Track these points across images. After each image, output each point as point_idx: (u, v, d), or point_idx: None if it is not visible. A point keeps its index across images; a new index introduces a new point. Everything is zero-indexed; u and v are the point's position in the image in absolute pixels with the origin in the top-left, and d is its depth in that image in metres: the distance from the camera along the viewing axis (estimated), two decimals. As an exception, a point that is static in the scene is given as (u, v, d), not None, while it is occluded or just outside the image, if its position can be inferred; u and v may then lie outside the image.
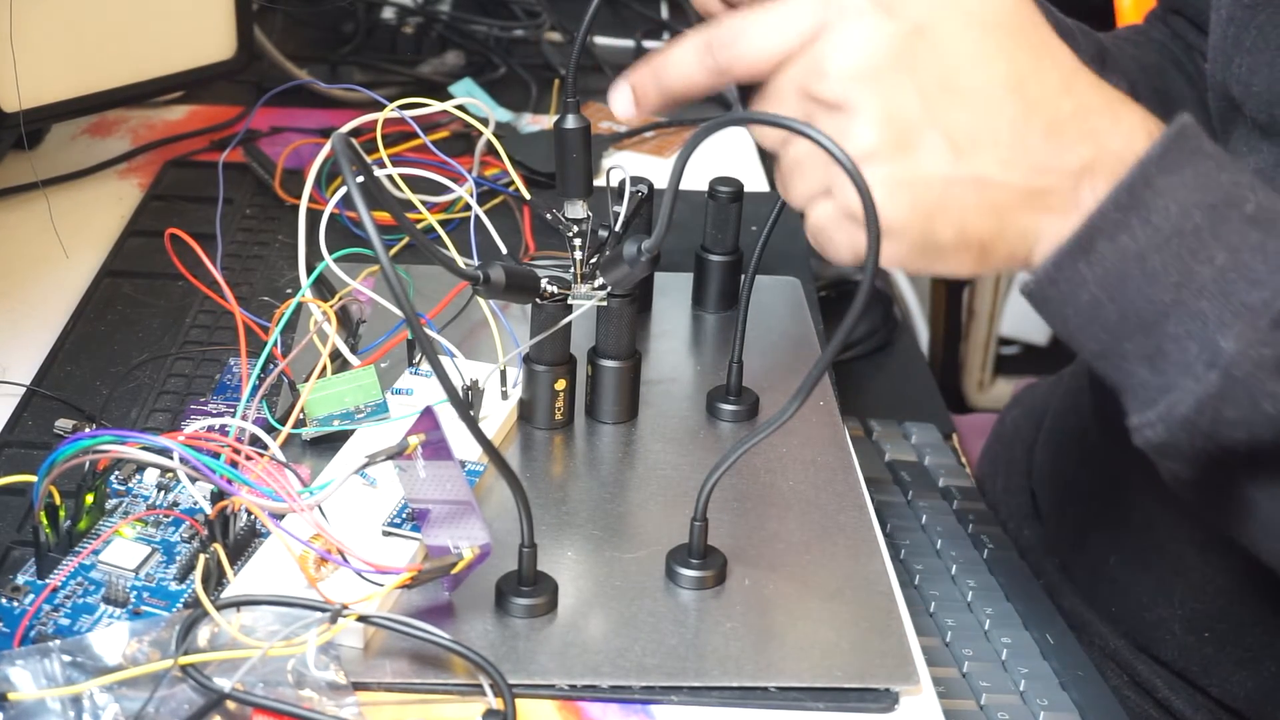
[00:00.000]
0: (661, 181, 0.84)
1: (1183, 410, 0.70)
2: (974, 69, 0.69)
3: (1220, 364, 0.68)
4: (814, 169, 0.70)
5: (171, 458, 0.73)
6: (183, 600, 0.72)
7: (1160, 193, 0.69)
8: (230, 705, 0.66)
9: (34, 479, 0.72)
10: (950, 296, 1.55)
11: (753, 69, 0.71)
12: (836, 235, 0.70)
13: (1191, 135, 0.70)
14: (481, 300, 0.93)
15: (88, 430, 0.81)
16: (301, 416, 0.84)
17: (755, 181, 1.23)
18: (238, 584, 0.72)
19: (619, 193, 0.92)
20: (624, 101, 0.75)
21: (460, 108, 1.01)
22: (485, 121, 1.07)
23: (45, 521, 0.73)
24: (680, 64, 0.73)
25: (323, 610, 0.69)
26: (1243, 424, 0.69)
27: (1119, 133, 0.71)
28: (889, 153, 0.68)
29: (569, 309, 0.86)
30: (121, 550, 0.74)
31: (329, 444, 0.85)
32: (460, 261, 0.90)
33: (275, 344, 0.87)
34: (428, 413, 0.73)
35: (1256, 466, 0.72)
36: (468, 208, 1.01)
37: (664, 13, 1.60)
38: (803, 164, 0.70)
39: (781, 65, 0.70)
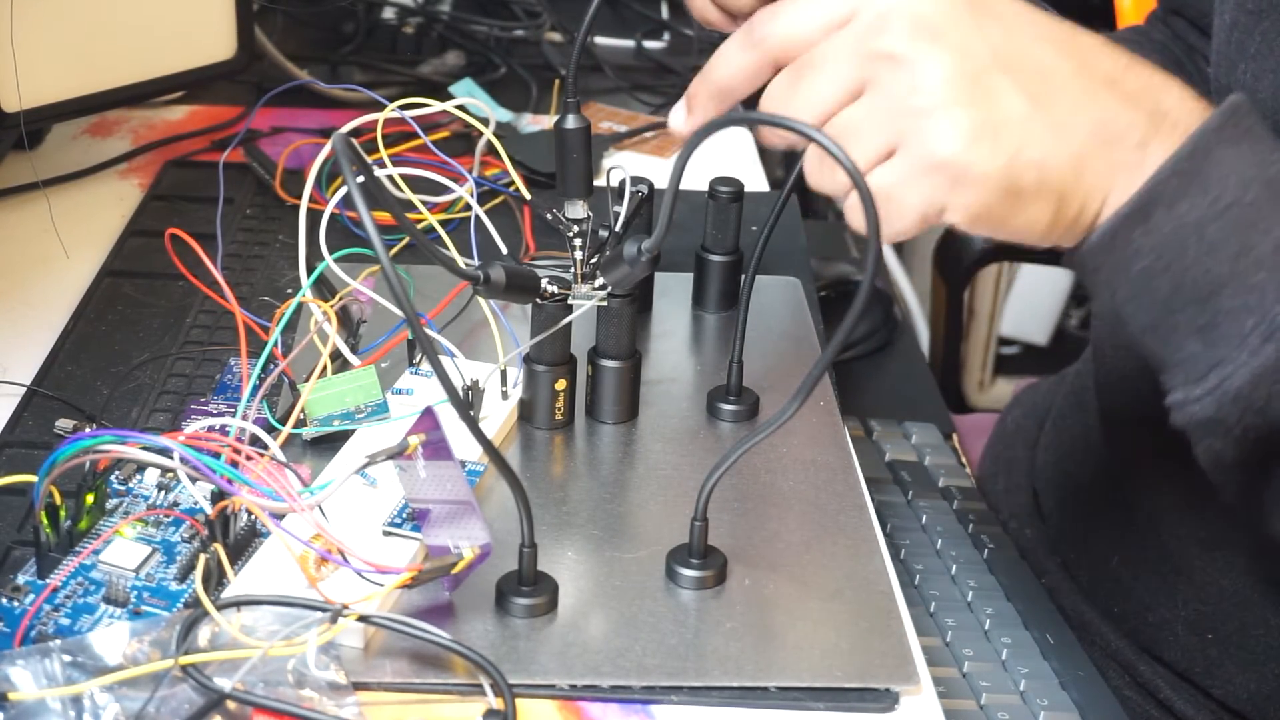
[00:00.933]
0: (661, 181, 0.84)
1: (1236, 384, 0.69)
2: (1031, 29, 0.70)
3: (1278, 337, 0.68)
4: (871, 131, 0.69)
5: (172, 458, 0.73)
6: (183, 600, 0.72)
7: (1219, 163, 0.69)
8: (230, 705, 0.66)
9: (34, 479, 0.72)
10: (950, 296, 1.55)
11: (798, 40, 0.71)
12: (909, 194, 0.69)
13: (1245, 114, 0.71)
14: (482, 300, 0.93)
15: (88, 430, 0.81)
16: (302, 416, 0.84)
17: (755, 181, 1.23)
18: (238, 584, 0.72)
19: (619, 193, 0.92)
20: (678, 115, 0.76)
21: (460, 108, 1.01)
22: (485, 121, 1.07)
23: (46, 521, 0.73)
24: (725, 60, 0.73)
25: (323, 610, 0.69)
26: None
27: (1173, 100, 0.71)
28: (966, 98, 0.68)
29: (569, 309, 0.86)
30: (122, 550, 0.74)
31: (329, 444, 0.85)
32: (460, 261, 0.90)
33: (275, 344, 0.87)
34: (428, 413, 0.73)
35: None
36: (468, 208, 1.01)
37: (664, 13, 1.60)
38: (857, 130, 0.69)
39: (828, 33, 0.70)
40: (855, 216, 0.70)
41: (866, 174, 0.69)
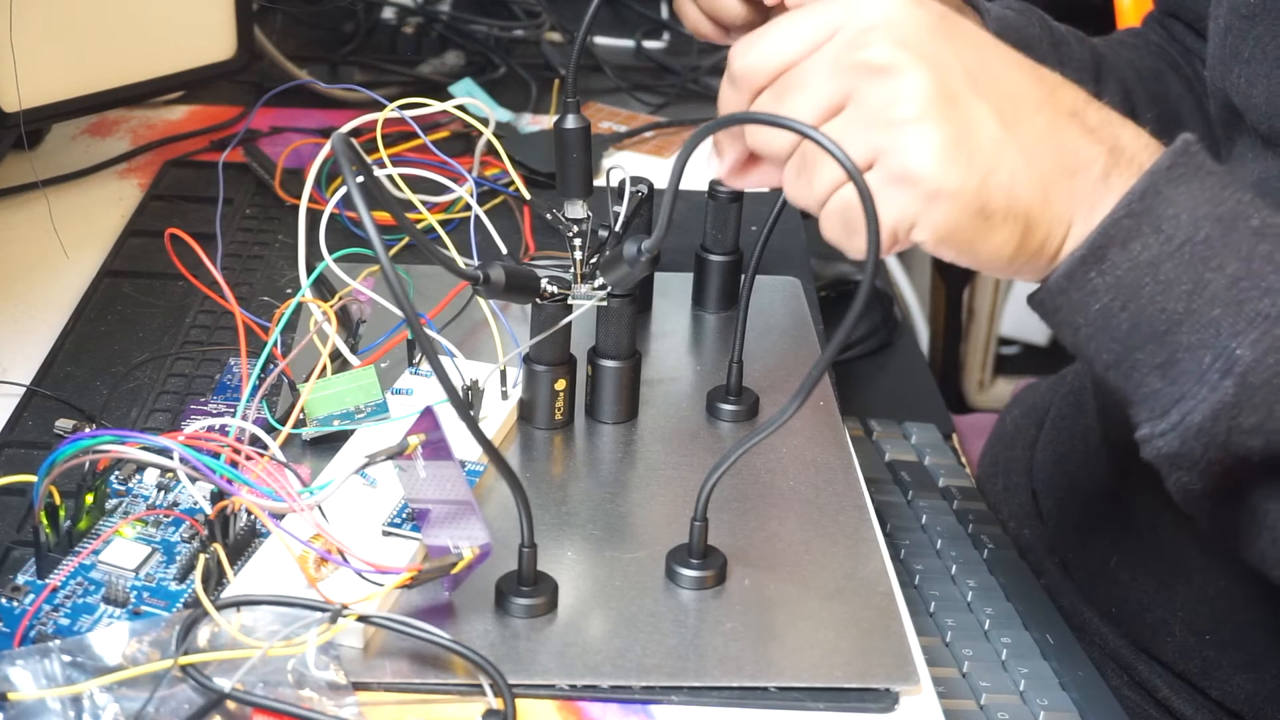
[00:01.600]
0: (661, 181, 0.84)
1: (1197, 419, 0.70)
2: (1001, 56, 0.72)
3: (1236, 371, 0.69)
4: (851, 144, 0.69)
5: (171, 458, 0.73)
6: (183, 600, 0.72)
7: (1170, 202, 0.70)
8: (230, 705, 0.66)
9: (34, 479, 0.72)
10: (950, 296, 1.55)
11: (775, 68, 0.71)
12: (880, 206, 0.68)
13: (1195, 152, 0.72)
14: (481, 300, 0.93)
15: (88, 430, 0.81)
16: (301, 416, 0.84)
17: (755, 181, 1.23)
18: (238, 584, 0.72)
19: (619, 193, 0.92)
20: (713, 164, 0.77)
21: (460, 108, 1.01)
22: (485, 121, 1.07)
23: (45, 521, 0.73)
24: (722, 102, 0.74)
25: (323, 610, 0.69)
26: (1259, 431, 0.69)
27: (1129, 137, 0.72)
28: (944, 114, 0.68)
29: (569, 309, 0.86)
30: (121, 550, 0.74)
31: (329, 444, 0.85)
32: (460, 261, 0.90)
33: (275, 344, 0.87)
34: (428, 413, 0.73)
35: (1270, 475, 0.72)
36: (468, 208, 1.01)
37: (664, 13, 1.60)
38: (838, 141, 0.69)
39: (809, 53, 0.70)
40: (829, 227, 0.71)
41: (842, 186, 0.70)
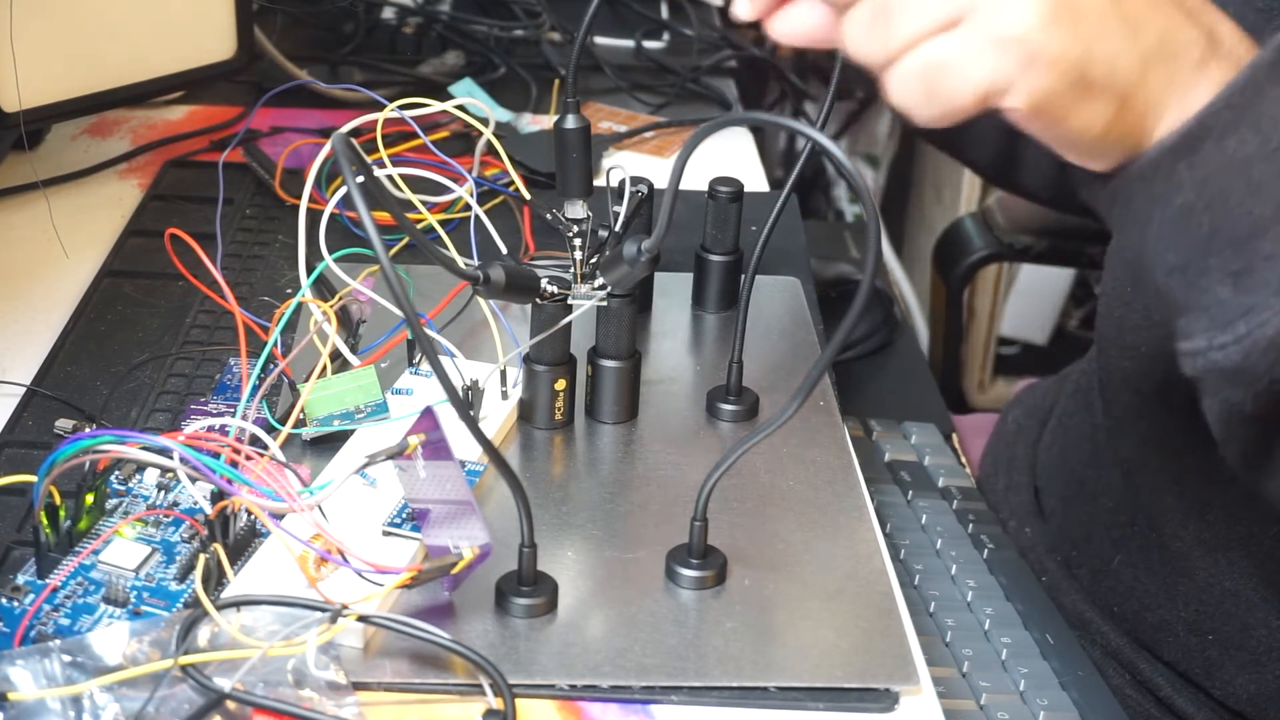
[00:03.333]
0: (661, 181, 0.84)
1: (1269, 333, 0.66)
2: None
3: None
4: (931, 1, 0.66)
5: (171, 458, 0.73)
6: (183, 600, 0.72)
7: (1274, 101, 0.67)
8: (230, 705, 0.66)
9: (34, 479, 0.72)
10: (950, 296, 1.55)
11: None
12: (974, 66, 0.66)
13: None
14: (481, 300, 0.93)
15: (88, 430, 0.81)
16: (301, 416, 0.84)
17: (755, 181, 1.23)
18: (238, 584, 0.72)
19: (619, 193, 0.92)
20: (742, 3, 0.73)
21: (460, 108, 1.01)
22: (485, 121, 1.07)
23: (45, 521, 0.73)
24: None
25: (323, 610, 0.69)
26: None
27: (1226, 29, 0.69)
28: None
29: (569, 309, 0.86)
30: (121, 550, 0.74)
31: (329, 444, 0.85)
32: (460, 261, 0.90)
33: (275, 344, 0.87)
34: (428, 413, 0.73)
35: None
36: (468, 208, 1.01)
37: (664, 13, 1.60)
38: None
39: None
40: (902, 89, 0.67)
41: (926, 40, 0.66)
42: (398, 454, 0.73)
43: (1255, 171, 0.66)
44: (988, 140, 1.10)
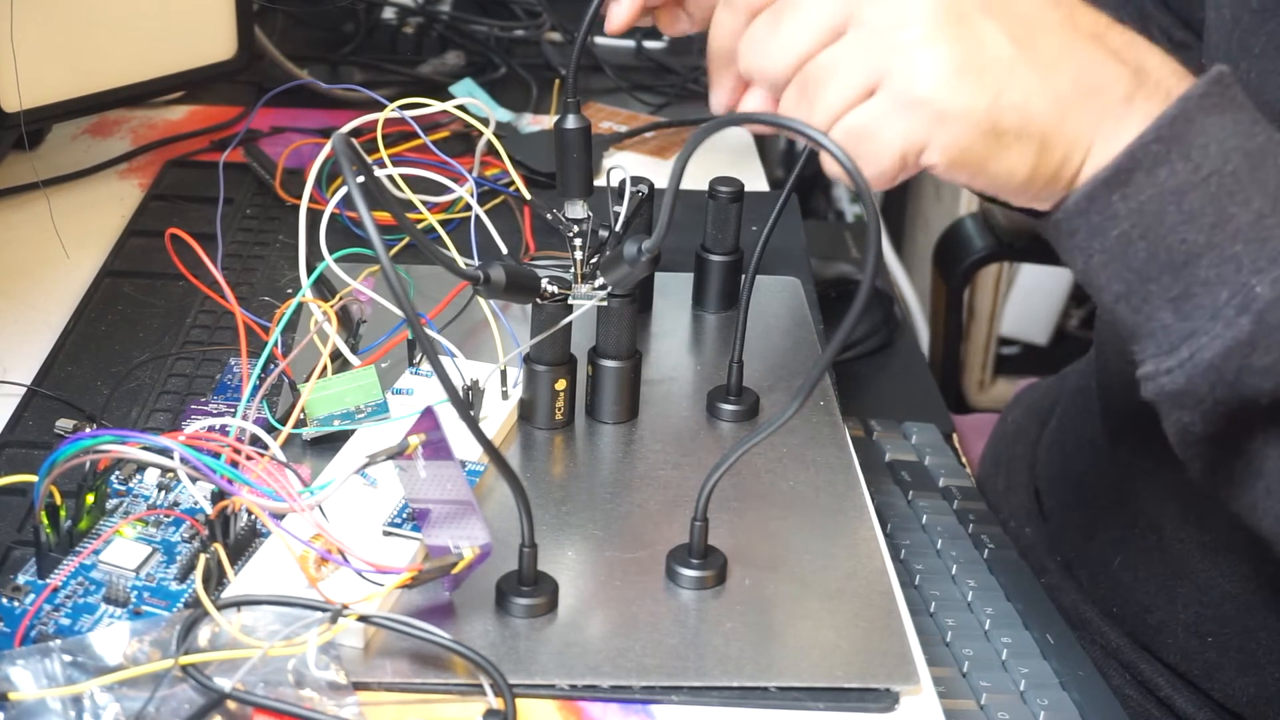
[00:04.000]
0: (661, 181, 0.84)
1: (1208, 355, 0.68)
2: None
3: (1254, 309, 0.67)
4: (852, 68, 0.68)
5: (172, 458, 0.73)
6: (183, 600, 0.72)
7: (1202, 131, 0.69)
8: (231, 705, 0.66)
9: (35, 479, 0.72)
10: (950, 296, 1.55)
11: None
12: (888, 131, 0.68)
13: (1229, 84, 0.70)
14: (482, 300, 0.93)
15: (88, 430, 0.81)
16: (302, 416, 0.84)
17: (755, 181, 1.23)
18: (238, 584, 0.72)
19: (619, 193, 0.92)
20: (713, 97, 0.77)
21: (460, 108, 1.01)
22: (485, 121, 1.07)
23: (46, 521, 0.73)
24: (715, 28, 0.75)
25: (323, 610, 0.69)
26: (1271, 372, 0.68)
27: (1155, 61, 0.71)
28: (951, 35, 0.68)
29: (569, 309, 0.86)
30: (122, 550, 0.74)
31: (329, 444, 0.85)
32: (460, 261, 0.90)
33: (275, 344, 0.87)
34: (428, 413, 0.73)
35: (1273, 420, 0.70)
36: (468, 208, 1.01)
37: (664, 13, 1.60)
38: (836, 68, 0.69)
39: None
40: (829, 162, 0.69)
41: (846, 113, 0.69)
42: (398, 454, 0.73)
43: (1187, 200, 0.69)
44: None
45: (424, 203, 1.01)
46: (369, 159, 0.79)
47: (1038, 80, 0.68)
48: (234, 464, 0.74)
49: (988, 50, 0.68)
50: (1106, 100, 0.69)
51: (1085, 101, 0.69)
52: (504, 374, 0.89)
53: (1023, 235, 1.49)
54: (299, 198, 0.92)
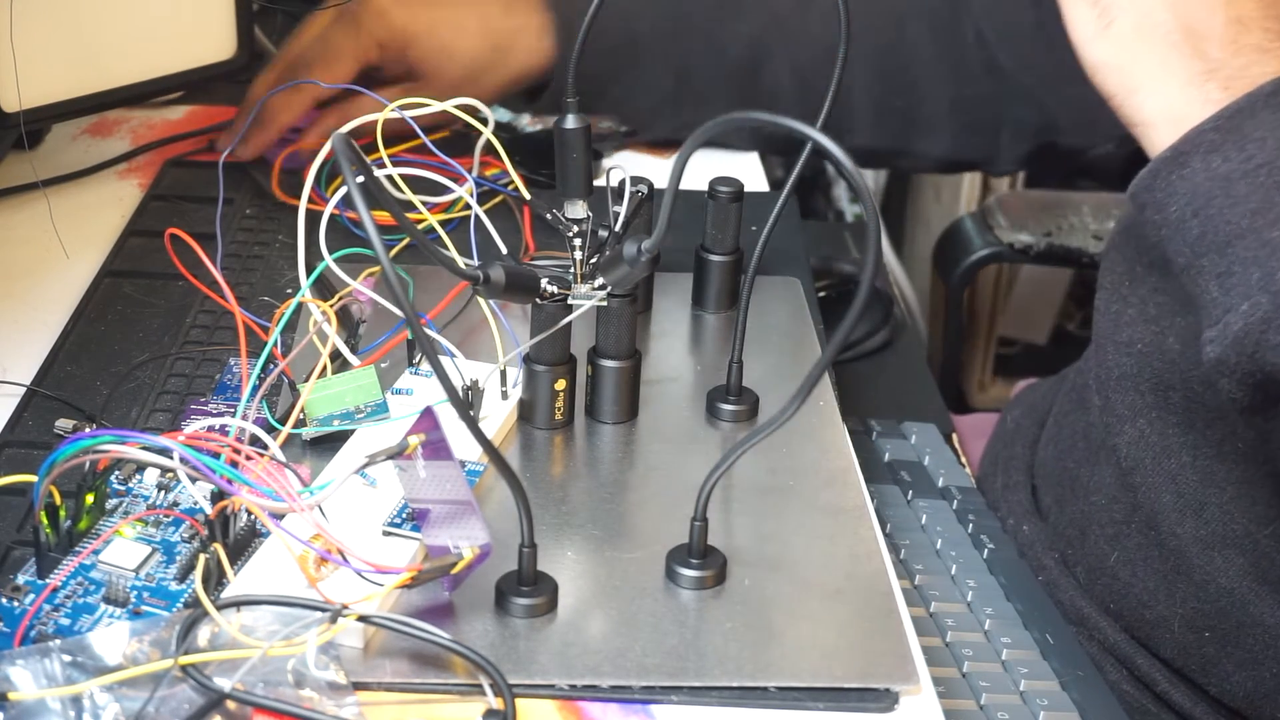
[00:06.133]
0: (661, 181, 0.84)
1: (1235, 329, 0.76)
2: None
3: (1273, 289, 0.74)
4: None
5: (171, 458, 0.73)
6: (183, 600, 0.72)
7: (1260, 124, 0.77)
8: (230, 705, 0.66)
9: (34, 479, 0.72)
10: (950, 296, 1.55)
11: None
12: None
13: None
14: (481, 300, 0.93)
15: (88, 430, 0.81)
16: (301, 416, 0.84)
17: (755, 181, 1.23)
18: (238, 584, 0.72)
19: (619, 193, 0.92)
20: None
21: (460, 107, 1.01)
22: (485, 121, 1.07)
23: (45, 521, 0.73)
24: None
25: (323, 610, 0.69)
26: None
27: (1251, 59, 0.79)
28: None
29: (569, 309, 0.86)
30: (122, 550, 0.74)
31: (329, 444, 0.85)
32: (460, 261, 0.90)
33: (275, 344, 0.87)
34: (428, 413, 0.73)
35: None
36: (468, 208, 1.01)
37: (664, 13, 1.60)
38: None
39: None
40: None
41: None
42: (398, 454, 0.73)
43: (1235, 187, 0.77)
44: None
45: (424, 203, 1.01)
46: (369, 159, 0.79)
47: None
48: (234, 464, 0.74)
49: None
50: (1184, 69, 0.79)
51: (1169, 52, 0.79)
52: (504, 374, 0.89)
53: (1023, 235, 1.49)
54: (298, 198, 0.92)
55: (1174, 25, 0.80)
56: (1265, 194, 0.75)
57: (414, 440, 0.73)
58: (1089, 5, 0.82)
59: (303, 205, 0.90)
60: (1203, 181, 0.77)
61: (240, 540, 0.75)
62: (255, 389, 0.84)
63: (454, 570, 0.71)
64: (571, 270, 0.86)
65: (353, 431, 0.85)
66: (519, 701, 0.69)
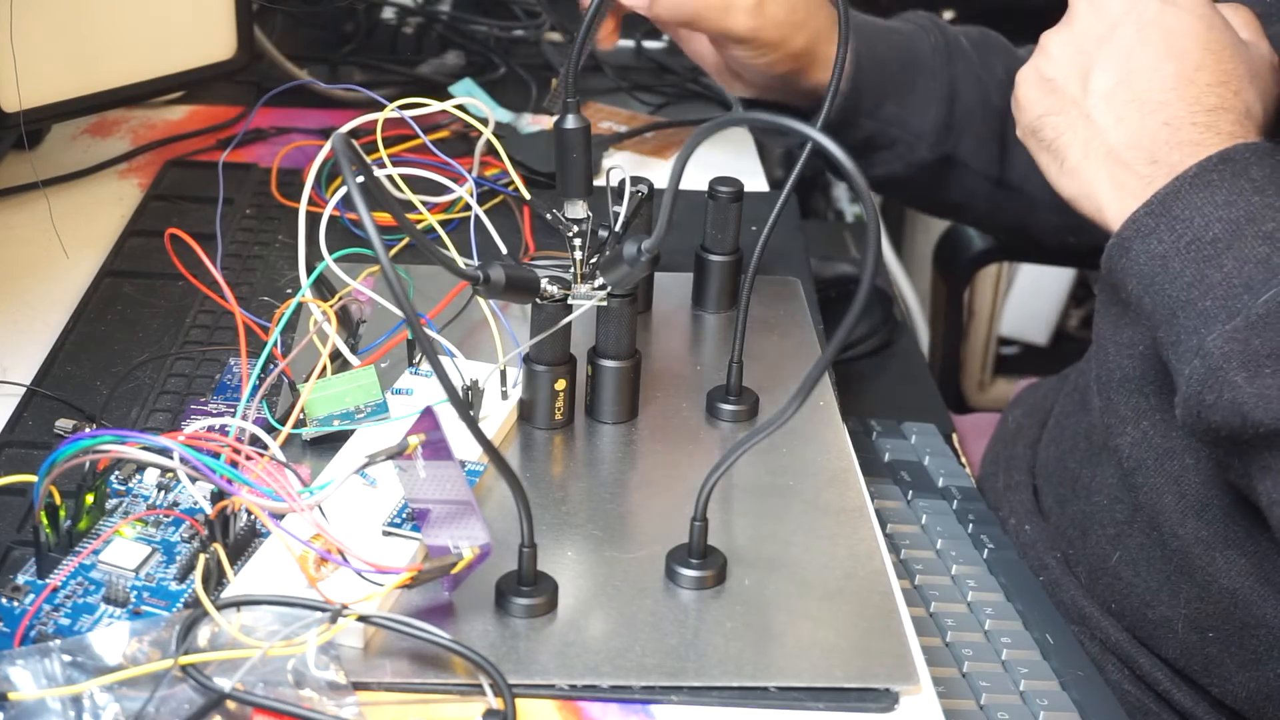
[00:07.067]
0: (661, 181, 0.84)
1: (1182, 392, 0.81)
2: (1173, 36, 0.88)
3: (1202, 354, 0.80)
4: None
5: (171, 458, 0.73)
6: (183, 600, 0.72)
7: (1188, 204, 0.83)
8: (230, 705, 0.66)
9: (34, 479, 0.72)
10: (950, 296, 1.54)
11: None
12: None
13: (1240, 158, 0.84)
14: (481, 300, 0.93)
15: (88, 430, 0.81)
16: (301, 416, 0.84)
17: (755, 181, 1.23)
18: (238, 584, 0.72)
19: (619, 193, 0.92)
20: None
21: (460, 108, 1.01)
22: (485, 121, 1.07)
23: (45, 521, 0.73)
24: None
25: (323, 610, 0.69)
26: (1218, 408, 0.79)
27: (1185, 154, 0.85)
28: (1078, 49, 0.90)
29: (569, 309, 0.86)
30: (122, 550, 0.74)
31: (329, 444, 0.85)
32: (460, 261, 0.90)
33: (275, 344, 0.87)
34: (428, 413, 0.73)
35: (1243, 447, 0.81)
36: (468, 208, 1.01)
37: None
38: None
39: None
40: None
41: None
42: (398, 454, 0.73)
43: (1172, 263, 0.83)
44: (978, 217, 1.33)
45: (424, 203, 1.01)
46: (369, 159, 0.79)
47: (1090, 123, 0.89)
48: (234, 464, 0.74)
49: (1067, 72, 0.90)
50: (1130, 177, 0.87)
51: (1116, 171, 0.87)
52: (504, 374, 0.89)
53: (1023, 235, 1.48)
54: (298, 200, 0.92)
55: (1111, 146, 0.87)
56: (1197, 268, 0.81)
57: (414, 440, 0.73)
58: (1046, 151, 0.91)
59: (303, 205, 0.90)
60: (1145, 263, 0.83)
61: (240, 540, 0.75)
62: (255, 389, 0.84)
63: (454, 570, 0.71)
64: (571, 270, 0.86)
65: (353, 431, 0.85)
66: (519, 701, 0.69)
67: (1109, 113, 0.88)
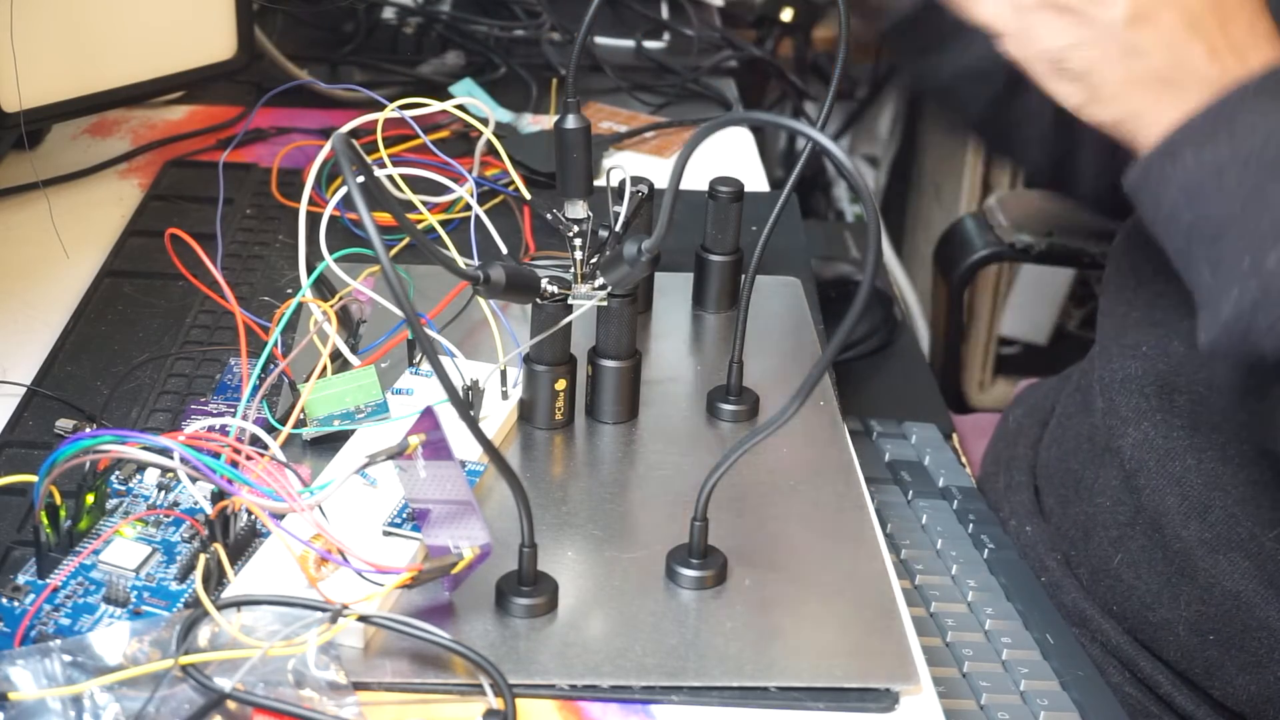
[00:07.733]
0: (661, 181, 0.84)
1: (1226, 314, 0.77)
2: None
3: (1262, 274, 0.75)
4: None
5: (172, 458, 0.73)
6: (183, 600, 0.72)
7: (1250, 113, 0.78)
8: (230, 705, 0.66)
9: (34, 479, 0.72)
10: (950, 296, 1.54)
11: None
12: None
13: None
14: (481, 300, 0.93)
15: (88, 430, 0.81)
16: (302, 416, 0.84)
17: (755, 181, 1.23)
18: (238, 584, 0.72)
19: (619, 193, 0.92)
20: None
21: (460, 108, 1.01)
22: (485, 121, 1.07)
23: (46, 521, 0.73)
24: None
25: (323, 610, 0.69)
26: (1272, 332, 0.75)
27: (1247, 58, 0.80)
28: None
29: (569, 309, 0.86)
30: (122, 550, 0.74)
31: (329, 444, 0.85)
32: (460, 261, 0.90)
33: (275, 344, 0.87)
34: (428, 413, 0.73)
35: None
36: (468, 208, 1.01)
37: (664, 13, 1.60)
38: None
39: None
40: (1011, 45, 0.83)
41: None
42: (398, 454, 0.73)
43: (1226, 176, 0.77)
44: (1037, 144, 1.21)
45: (424, 203, 1.01)
46: (369, 159, 0.79)
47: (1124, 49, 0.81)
48: (234, 464, 0.74)
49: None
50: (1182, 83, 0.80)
51: (1160, 88, 0.81)
52: (504, 374, 0.89)
53: (1023, 235, 1.49)
54: (298, 200, 0.92)
55: (1157, 70, 0.81)
56: (1255, 183, 0.76)
57: (414, 440, 0.73)
58: (1067, 80, 0.83)
59: (303, 205, 0.90)
60: (1194, 172, 0.78)
61: (240, 540, 0.75)
62: (255, 389, 0.84)
63: (454, 570, 0.71)
64: (571, 270, 0.86)
65: (353, 431, 0.85)
66: (519, 701, 0.69)
67: (1153, 37, 0.81)
